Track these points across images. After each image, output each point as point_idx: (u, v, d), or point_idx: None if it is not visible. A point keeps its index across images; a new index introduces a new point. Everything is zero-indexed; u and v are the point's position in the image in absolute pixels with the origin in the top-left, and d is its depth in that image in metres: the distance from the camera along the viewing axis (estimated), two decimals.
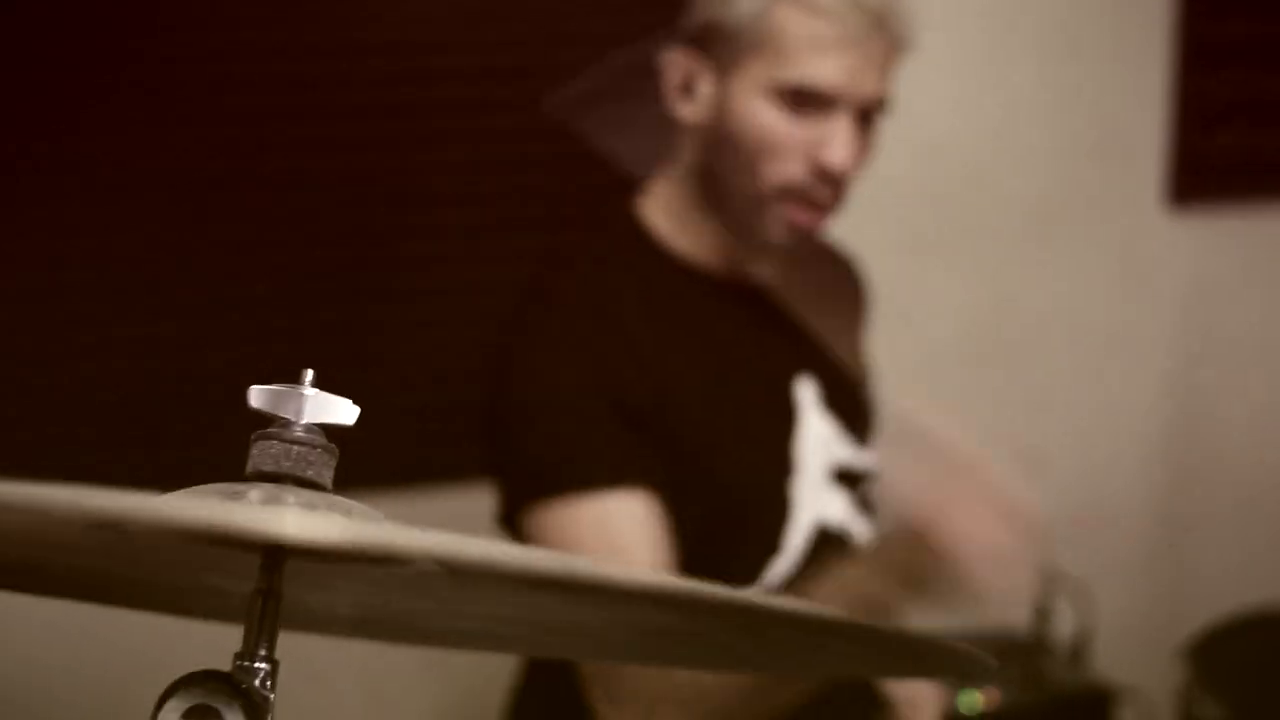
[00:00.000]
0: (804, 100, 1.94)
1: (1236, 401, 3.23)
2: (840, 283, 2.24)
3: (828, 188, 1.96)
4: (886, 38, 1.97)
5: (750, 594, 0.84)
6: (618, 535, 1.90)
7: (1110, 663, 2.79)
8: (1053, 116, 3.05)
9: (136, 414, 2.53)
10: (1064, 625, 2.78)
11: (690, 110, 2.01)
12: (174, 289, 2.54)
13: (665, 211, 2.05)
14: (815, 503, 2.04)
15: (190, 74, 2.52)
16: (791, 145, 1.94)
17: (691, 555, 1.98)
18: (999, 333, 2.92)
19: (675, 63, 2.01)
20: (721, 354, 2.04)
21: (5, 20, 2.39)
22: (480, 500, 2.04)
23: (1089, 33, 3.06)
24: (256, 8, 2.55)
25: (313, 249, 2.63)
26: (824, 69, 1.93)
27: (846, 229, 2.22)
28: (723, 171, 1.99)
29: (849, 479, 2.07)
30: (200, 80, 2.53)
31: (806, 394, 2.07)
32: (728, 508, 2.01)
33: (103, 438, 2.51)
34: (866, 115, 1.98)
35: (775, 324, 2.09)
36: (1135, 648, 2.90)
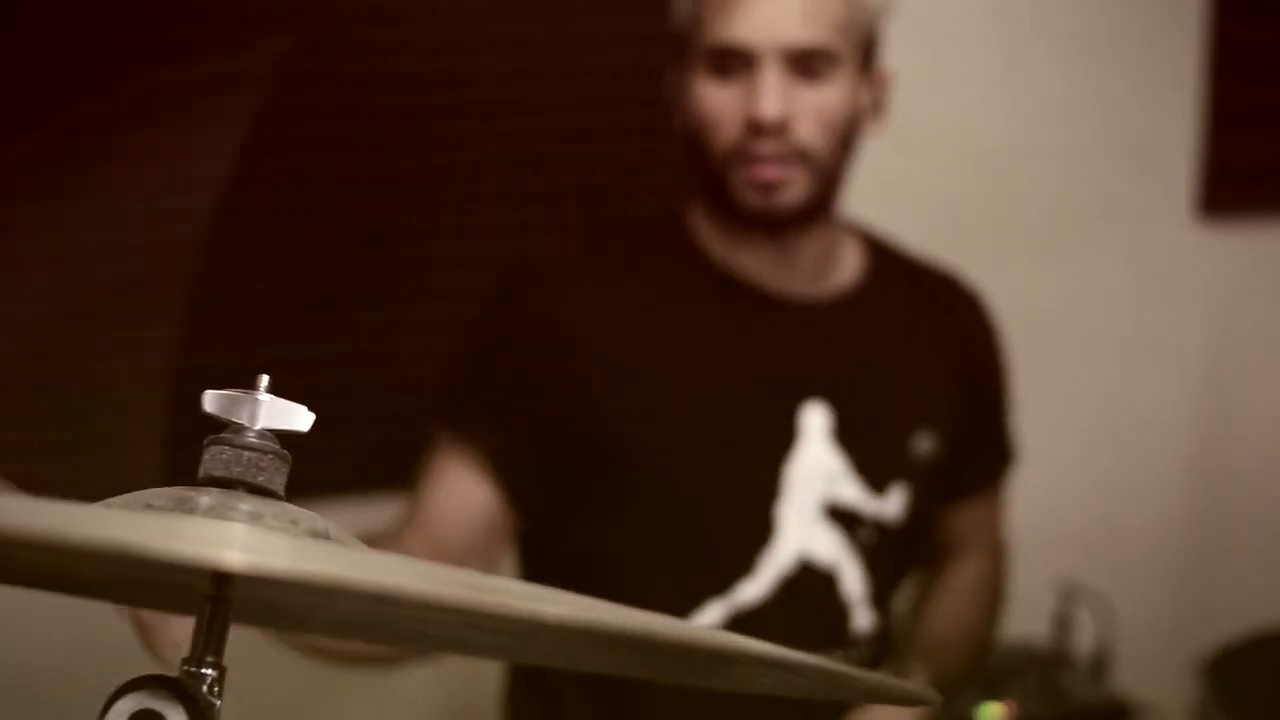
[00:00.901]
0: (726, 63, 1.95)
1: (1263, 414, 3.20)
2: (924, 320, 2.16)
3: (769, 141, 1.94)
4: None
5: (680, 629, 0.82)
6: (431, 474, 2.00)
7: (1130, 677, 2.77)
8: (1080, 121, 3.03)
9: (107, 411, 2.53)
10: (1084, 638, 2.76)
11: (677, 121, 2.03)
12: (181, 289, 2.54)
13: (708, 226, 2.06)
14: (801, 533, 2.01)
15: (214, 73, 2.53)
16: (725, 109, 1.95)
17: (654, 555, 1.98)
18: (1023, 342, 2.89)
19: (667, 82, 2.04)
20: (722, 362, 2.02)
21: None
22: None
23: (1119, 37, 3.03)
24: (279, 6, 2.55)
25: (330, 247, 2.63)
26: (732, 26, 1.94)
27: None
28: (698, 161, 2.00)
29: (847, 519, 2.03)
30: (222, 80, 2.53)
31: (814, 420, 2.02)
32: (694, 515, 1.99)
33: (66, 434, 2.51)
34: (805, 65, 1.95)
35: (799, 344, 2.05)
36: (1156, 662, 2.88)
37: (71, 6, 2.43)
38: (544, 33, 2.68)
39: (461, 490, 1.98)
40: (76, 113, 2.42)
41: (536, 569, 2.05)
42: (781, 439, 2.01)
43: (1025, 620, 2.60)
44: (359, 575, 0.73)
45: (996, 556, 2.26)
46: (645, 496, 1.99)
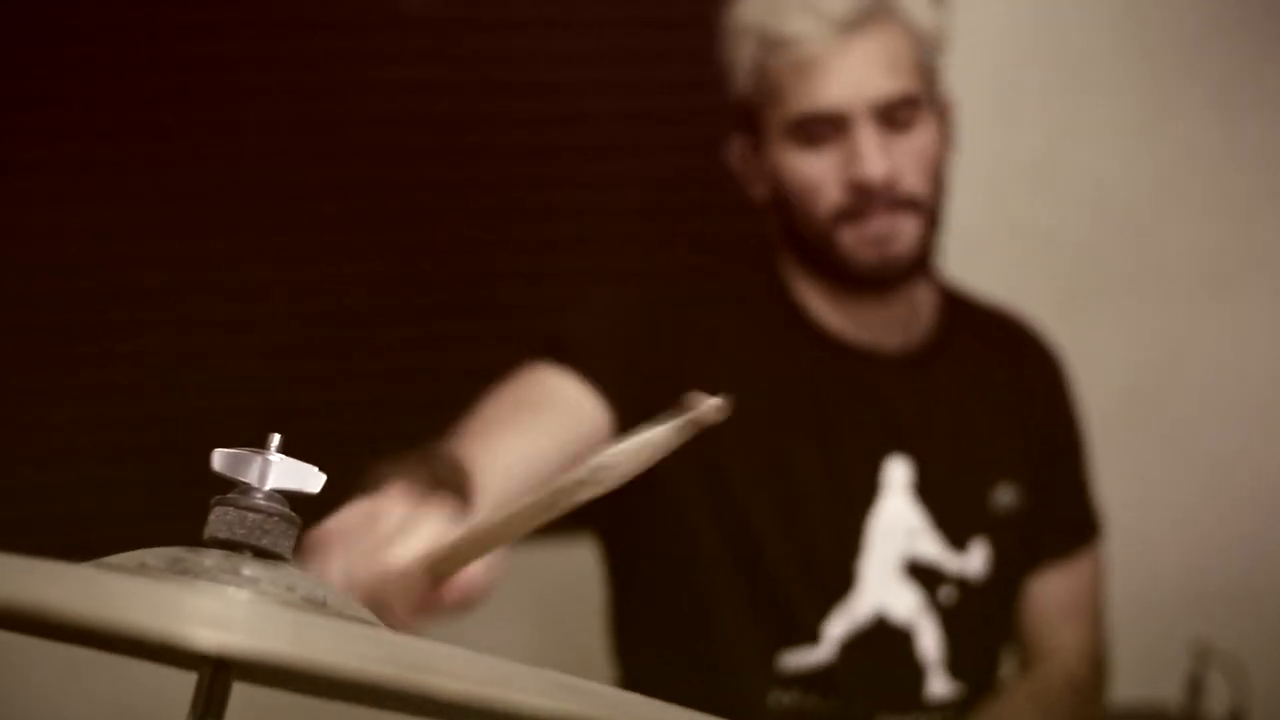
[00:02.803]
0: (814, 130, 1.92)
1: None
2: (999, 371, 2.14)
3: (876, 199, 1.92)
4: (877, 33, 1.92)
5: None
6: (527, 381, 1.87)
7: None
8: (1223, 169, 2.96)
9: (155, 424, 2.54)
10: (1218, 702, 2.67)
11: (757, 188, 2.01)
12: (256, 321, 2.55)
13: (793, 273, 2.03)
14: (880, 590, 1.97)
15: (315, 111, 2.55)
16: (823, 176, 1.93)
17: (733, 600, 1.94)
18: (1163, 395, 2.83)
19: (732, 151, 2.03)
20: (811, 415, 1.99)
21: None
22: None
23: (1261, 80, 2.96)
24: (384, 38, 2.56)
25: (427, 283, 2.63)
26: (812, 93, 1.92)
27: (1005, 284, 2.16)
28: (796, 229, 1.97)
29: (928, 576, 1.99)
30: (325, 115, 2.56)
31: (896, 475, 2.00)
32: (775, 565, 1.96)
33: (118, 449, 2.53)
34: (894, 116, 1.93)
35: (884, 397, 2.03)
36: None
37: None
38: (634, 73, 2.67)
39: (570, 395, 1.89)
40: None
41: (625, 613, 2.04)
42: (865, 493, 1.98)
43: (1157, 683, 2.54)
44: (343, 660, 0.70)
45: (1087, 668, 2.16)
46: (727, 542, 1.96)
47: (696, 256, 2.41)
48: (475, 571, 1.18)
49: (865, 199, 1.92)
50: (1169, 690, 2.66)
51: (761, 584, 1.96)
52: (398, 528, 1.20)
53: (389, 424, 2.34)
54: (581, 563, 2.22)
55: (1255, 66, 2.96)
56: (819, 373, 2.02)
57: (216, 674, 0.85)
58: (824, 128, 1.93)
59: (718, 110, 2.12)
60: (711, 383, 1.96)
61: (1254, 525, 3.03)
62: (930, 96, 1.98)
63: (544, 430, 1.83)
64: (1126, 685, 2.38)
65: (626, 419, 1.89)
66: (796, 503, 1.97)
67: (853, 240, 1.95)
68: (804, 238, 1.99)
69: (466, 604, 1.19)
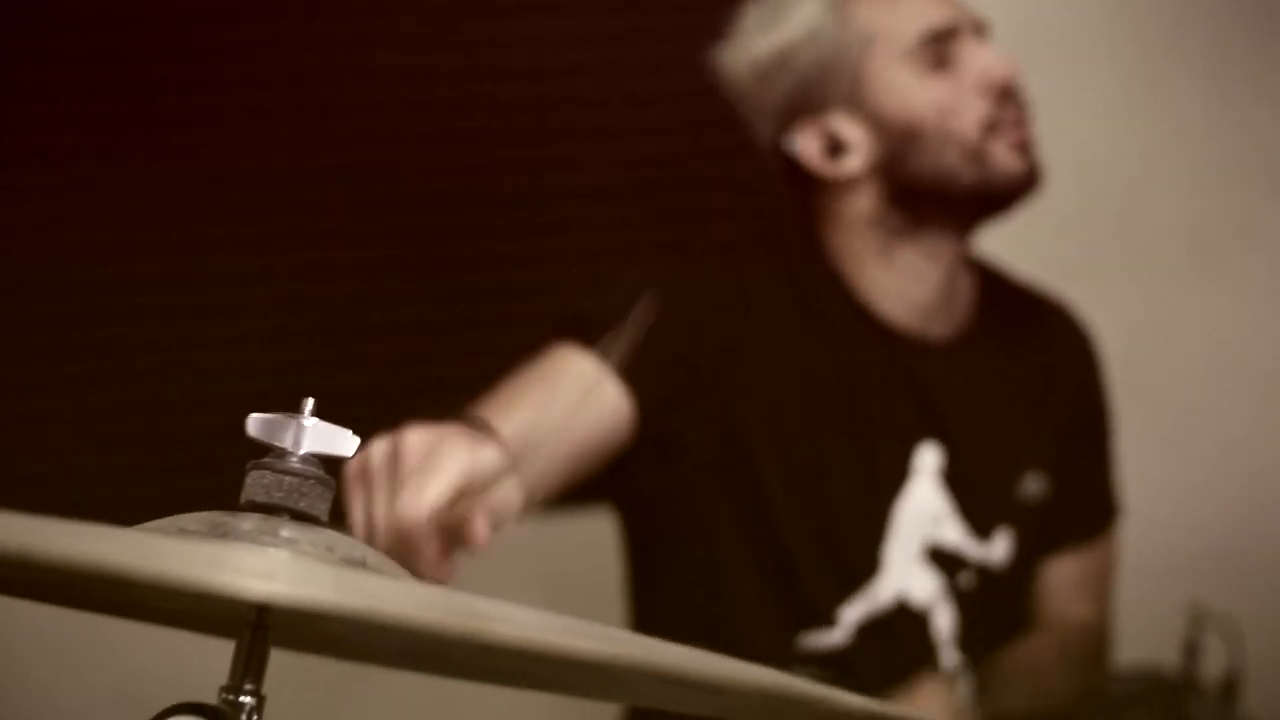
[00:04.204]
0: (936, 50, 1.97)
1: None
2: (1034, 357, 2.14)
3: (1012, 102, 1.99)
4: None
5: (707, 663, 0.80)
6: (563, 384, 1.83)
7: (1260, 704, 2.69)
8: (1214, 141, 2.97)
9: (155, 412, 2.54)
10: (1213, 664, 2.69)
11: (851, 161, 1.99)
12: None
13: (854, 258, 2.03)
14: (902, 573, 1.98)
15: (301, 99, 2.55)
16: (961, 94, 1.97)
17: (757, 573, 1.94)
18: (1156, 366, 2.85)
19: (807, 139, 2.01)
20: (849, 395, 1.99)
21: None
22: None
23: (1256, 61, 2.97)
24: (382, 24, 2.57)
25: (434, 268, 2.63)
26: (925, 12, 1.98)
27: (994, 255, 2.17)
28: (930, 164, 1.98)
29: (949, 562, 2.00)
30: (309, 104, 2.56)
31: (927, 460, 2.00)
32: (799, 543, 1.97)
33: (117, 438, 2.53)
34: (984, 38, 2.01)
35: (920, 382, 2.03)
36: None
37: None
38: (645, 58, 2.67)
39: (592, 378, 1.87)
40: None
41: (642, 589, 2.04)
42: (894, 478, 1.99)
43: (1153, 645, 2.55)
44: (390, 608, 0.72)
45: (1087, 639, 2.17)
46: (747, 518, 1.96)
47: (730, 231, 2.41)
48: (479, 530, 1.20)
49: (1008, 101, 1.98)
50: (1165, 653, 2.67)
51: (778, 567, 1.96)
52: (418, 467, 1.22)
53: (386, 410, 2.34)
54: (594, 537, 2.22)
55: (1240, 41, 2.97)
56: (856, 354, 2.01)
57: (256, 633, 0.87)
58: (941, 46, 1.97)
59: (696, 92, 2.14)
60: (735, 369, 1.97)
61: (1247, 490, 3.05)
62: None
63: (559, 409, 1.82)
64: (1123, 648, 2.39)
65: (649, 410, 1.90)
66: (822, 486, 1.97)
67: (1003, 150, 1.97)
68: (944, 176, 1.99)
69: (479, 545, 1.20)
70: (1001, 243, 2.19)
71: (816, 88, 2.01)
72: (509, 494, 1.32)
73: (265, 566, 0.70)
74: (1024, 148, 1.98)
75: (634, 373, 1.88)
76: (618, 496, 2.03)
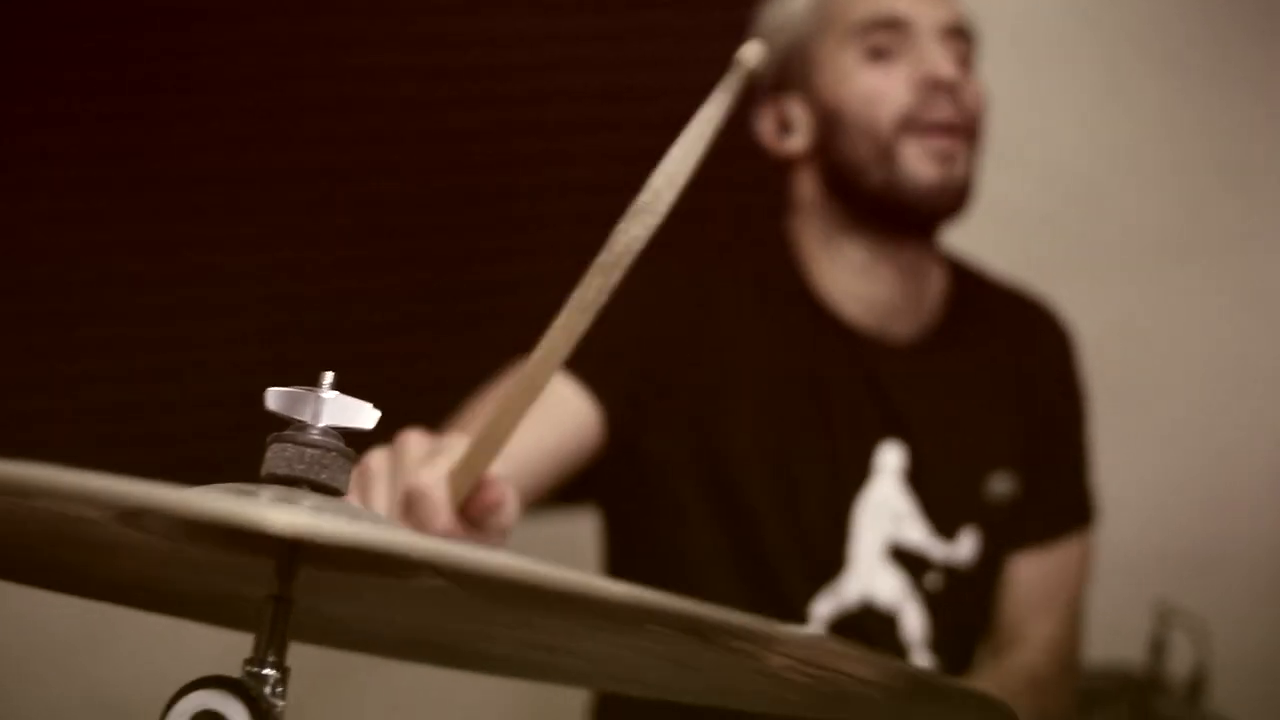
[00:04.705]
0: (884, 42, 1.94)
1: None
2: (1006, 355, 2.11)
3: (945, 102, 1.93)
4: None
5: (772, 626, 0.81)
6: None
7: (1226, 701, 2.71)
8: (1180, 141, 2.99)
9: (155, 411, 2.54)
10: (1180, 662, 2.70)
11: (795, 140, 2.00)
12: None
13: (810, 250, 2.03)
14: (866, 573, 1.97)
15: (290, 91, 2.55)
16: (894, 82, 1.94)
17: (725, 570, 1.94)
18: (1122, 363, 2.86)
19: (765, 119, 2.03)
20: (810, 395, 2.00)
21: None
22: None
23: (1219, 58, 2.99)
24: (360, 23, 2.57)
25: (420, 266, 2.63)
26: (888, 2, 1.95)
27: (966, 257, 2.18)
28: (848, 154, 1.97)
29: (913, 561, 1.99)
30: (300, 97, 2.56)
31: (889, 460, 1.99)
32: (765, 542, 1.96)
33: (117, 437, 2.52)
34: (959, 51, 1.97)
35: (884, 381, 2.02)
36: (1252, 686, 2.82)
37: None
38: (626, 55, 2.67)
39: (560, 393, 1.87)
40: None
41: (620, 575, 2.04)
42: (856, 476, 1.98)
43: (1120, 643, 2.56)
44: (424, 546, 0.73)
45: (1053, 664, 2.12)
46: (721, 517, 1.96)
47: (699, 234, 2.41)
48: (497, 487, 1.20)
49: (933, 100, 1.93)
50: (1132, 651, 2.69)
51: (752, 562, 1.96)
52: (423, 455, 1.22)
53: (384, 408, 2.34)
54: (571, 538, 2.23)
55: (1209, 41, 2.99)
56: (821, 355, 2.00)
57: (279, 605, 0.87)
58: (894, 39, 1.95)
59: (688, 89, 2.13)
60: (701, 371, 1.97)
61: (1214, 488, 3.07)
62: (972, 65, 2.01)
63: (532, 426, 1.82)
64: (1090, 646, 2.40)
65: (616, 417, 1.90)
66: (791, 484, 1.97)
67: (915, 153, 1.93)
68: (856, 168, 1.97)
69: (498, 518, 1.20)
70: (975, 240, 2.20)
71: (783, 69, 2.02)
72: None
73: (294, 510, 0.72)
74: (945, 159, 1.93)
75: (600, 383, 1.88)
76: (594, 498, 2.03)
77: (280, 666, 0.87)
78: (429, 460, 1.20)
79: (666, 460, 1.95)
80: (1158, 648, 2.70)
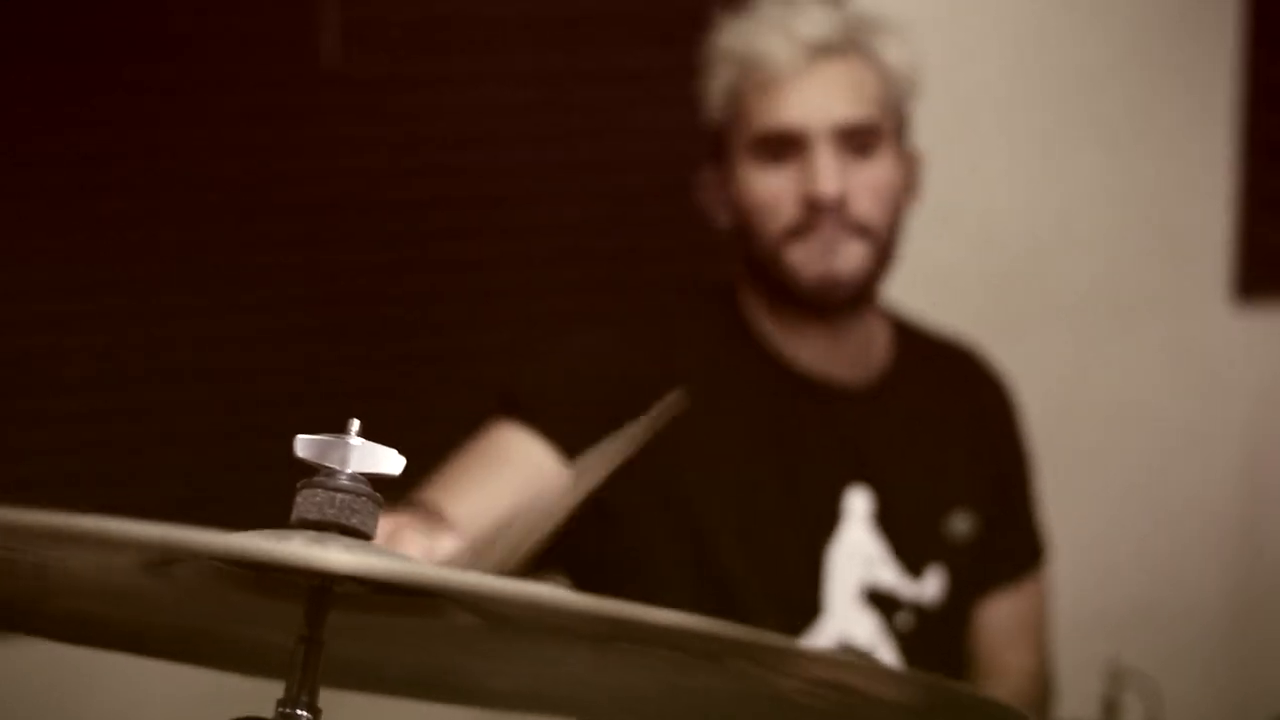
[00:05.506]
0: (776, 148, 1.98)
1: None
2: (951, 400, 2.17)
3: (826, 217, 1.97)
4: (845, 61, 2.00)
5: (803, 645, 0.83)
6: (508, 466, 1.91)
7: None
8: (1117, 208, 3.04)
9: (183, 460, 2.55)
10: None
11: (722, 218, 2.05)
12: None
13: (758, 308, 2.07)
14: (842, 617, 2.01)
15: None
16: (780, 193, 1.98)
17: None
18: (1065, 426, 2.90)
19: (704, 183, 2.07)
20: (772, 447, 2.03)
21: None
22: None
23: (1153, 125, 3.05)
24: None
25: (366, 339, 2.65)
26: (776, 111, 1.98)
27: (906, 306, 2.21)
28: (752, 246, 2.03)
29: (885, 602, 2.03)
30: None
31: (857, 505, 2.04)
32: (739, 595, 1.99)
33: (146, 482, 2.53)
34: (855, 142, 1.99)
35: (844, 429, 2.06)
36: None
37: None
38: (576, 122, 2.71)
39: (529, 453, 1.93)
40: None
41: None
42: (826, 523, 2.02)
43: (1073, 703, 2.58)
44: (459, 579, 0.75)
45: (1035, 687, 2.21)
46: (694, 573, 1.99)
47: (654, 295, 2.44)
48: None
49: (816, 216, 1.97)
50: (1084, 711, 2.71)
51: (728, 615, 1.98)
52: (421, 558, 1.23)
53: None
54: None
55: (1147, 105, 3.04)
56: (782, 406, 2.05)
57: (310, 646, 0.88)
58: (785, 146, 1.98)
59: (635, 159, 2.16)
60: (671, 430, 1.99)
61: (1163, 547, 3.11)
62: (896, 133, 2.04)
63: (504, 489, 1.86)
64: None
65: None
66: (761, 533, 2.00)
67: (799, 256, 1.99)
68: (758, 259, 2.03)
69: None
70: (920, 301, 2.23)
71: (716, 135, 2.06)
72: None
73: (328, 550, 0.74)
74: (822, 257, 1.98)
75: (572, 445, 1.91)
76: (565, 553, 2.04)
77: (313, 707, 0.89)
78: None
79: (636, 518, 1.98)
80: (1110, 708, 2.72)
